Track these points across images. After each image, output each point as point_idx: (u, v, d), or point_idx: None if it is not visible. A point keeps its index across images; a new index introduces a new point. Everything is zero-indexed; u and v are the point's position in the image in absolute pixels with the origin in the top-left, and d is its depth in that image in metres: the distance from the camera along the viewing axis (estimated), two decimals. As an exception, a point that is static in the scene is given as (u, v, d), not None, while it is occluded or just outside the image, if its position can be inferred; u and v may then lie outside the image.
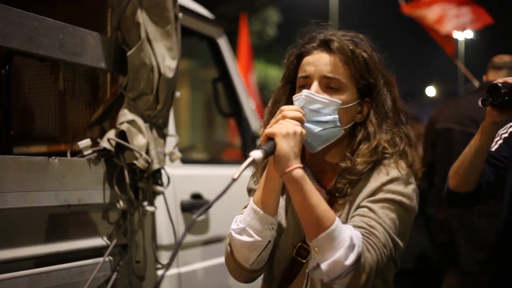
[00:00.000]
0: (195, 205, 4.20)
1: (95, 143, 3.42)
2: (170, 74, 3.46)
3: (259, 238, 2.27)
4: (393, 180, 2.30)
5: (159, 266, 3.67)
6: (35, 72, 3.94)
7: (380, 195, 2.27)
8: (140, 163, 3.28)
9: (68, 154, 3.30)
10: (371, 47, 2.46)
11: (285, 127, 2.14)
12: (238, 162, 4.86)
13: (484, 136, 3.10)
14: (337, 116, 2.32)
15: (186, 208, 4.13)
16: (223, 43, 5.17)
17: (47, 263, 3.01)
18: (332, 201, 2.33)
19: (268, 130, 2.15)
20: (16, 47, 2.86)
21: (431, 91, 57.24)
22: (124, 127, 3.30)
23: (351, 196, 2.32)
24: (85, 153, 3.25)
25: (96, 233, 3.30)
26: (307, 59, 2.41)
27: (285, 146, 2.10)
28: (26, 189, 2.86)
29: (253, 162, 2.06)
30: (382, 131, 2.37)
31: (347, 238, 2.09)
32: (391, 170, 2.31)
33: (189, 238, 4.18)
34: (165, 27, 3.47)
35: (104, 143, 3.32)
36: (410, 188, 2.33)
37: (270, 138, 2.14)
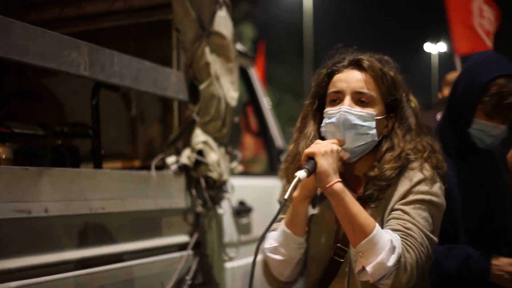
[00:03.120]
0: (241, 210, 5.01)
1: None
2: (233, 103, 4.30)
3: (290, 257, 2.52)
4: (420, 182, 2.44)
5: (225, 258, 4.47)
6: (112, 101, 4.73)
7: (411, 197, 2.41)
8: (215, 175, 4.10)
9: (153, 168, 4.09)
10: (395, 67, 2.61)
11: (323, 146, 2.34)
12: (268, 174, 5.69)
13: None
14: (375, 128, 2.49)
15: (236, 213, 4.94)
16: (252, 72, 5.99)
17: (146, 256, 3.81)
18: (364, 208, 2.43)
19: (308, 150, 2.35)
20: (128, 85, 3.66)
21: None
22: (200, 146, 4.12)
23: (383, 201, 2.47)
24: (172, 167, 4.06)
25: (180, 232, 4.11)
26: (338, 76, 2.55)
27: (325, 163, 2.31)
28: (136, 196, 3.66)
29: (299, 181, 2.28)
30: (406, 141, 2.52)
31: (387, 242, 2.25)
32: (417, 173, 2.46)
33: (240, 237, 4.95)
34: (228, 65, 4.31)
35: (184, 160, 4.12)
36: (437, 186, 2.47)
37: (310, 158, 2.33)
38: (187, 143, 4.25)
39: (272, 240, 2.55)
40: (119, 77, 3.57)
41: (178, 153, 4.25)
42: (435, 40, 48.75)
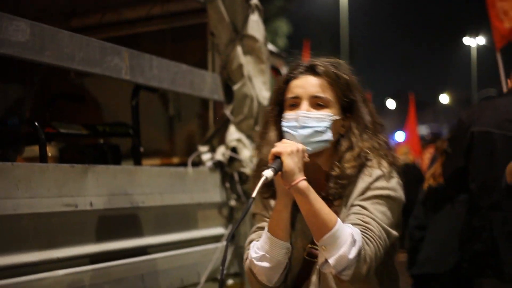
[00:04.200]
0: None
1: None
2: (265, 102, 4.54)
3: (278, 263, 2.54)
4: (378, 178, 2.51)
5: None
6: (151, 102, 4.99)
7: (369, 193, 2.49)
8: (248, 170, 4.34)
9: (189, 165, 4.33)
10: (349, 69, 2.66)
11: (289, 145, 2.38)
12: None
13: None
14: (330, 128, 2.54)
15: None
16: (284, 72, 6.20)
17: (183, 247, 4.06)
18: (328, 205, 2.47)
19: (275, 149, 2.38)
20: (166, 87, 3.91)
21: (444, 98, 57.03)
22: (234, 143, 4.37)
23: (344, 198, 2.55)
24: (207, 164, 4.31)
25: (215, 225, 4.35)
26: (294, 82, 2.59)
27: (291, 162, 2.34)
28: (174, 191, 3.91)
29: (266, 180, 2.30)
30: (363, 140, 2.59)
31: (348, 236, 2.34)
32: (375, 170, 2.53)
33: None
34: (260, 66, 4.55)
35: (218, 156, 4.37)
36: (394, 181, 2.55)
37: (277, 157, 2.36)
38: (222, 140, 4.50)
39: (257, 249, 2.56)
40: (158, 80, 3.82)
41: (213, 150, 4.49)
42: (474, 33, 48.28)
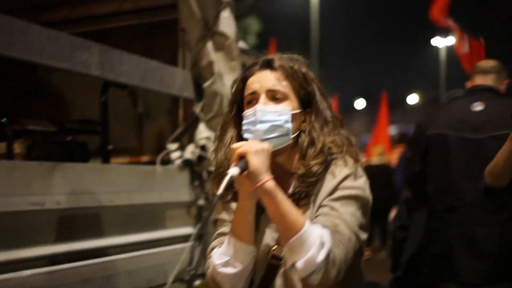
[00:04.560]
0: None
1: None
2: (236, 101, 4.49)
3: (244, 267, 2.44)
4: (346, 177, 2.44)
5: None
6: (120, 98, 4.92)
7: (338, 193, 2.42)
8: (217, 169, 4.29)
9: (158, 163, 4.28)
10: (306, 64, 2.63)
11: (254, 145, 2.32)
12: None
13: None
14: (290, 123, 2.48)
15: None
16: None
17: (151, 247, 4.00)
18: (295, 205, 2.42)
19: (240, 149, 2.30)
20: (136, 83, 3.85)
21: (413, 98, 57.39)
22: (204, 142, 4.31)
23: (312, 197, 2.47)
24: (176, 162, 4.25)
25: (183, 224, 4.30)
26: (251, 79, 2.55)
27: (256, 161, 2.28)
28: (142, 190, 3.86)
29: (232, 178, 2.23)
30: (325, 134, 2.52)
31: (317, 238, 2.26)
32: (342, 169, 2.46)
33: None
34: (231, 63, 4.50)
35: (187, 155, 4.31)
36: (362, 181, 2.49)
37: (242, 157, 2.29)
38: (191, 139, 4.44)
39: (221, 255, 2.46)
40: (128, 76, 3.76)
41: (182, 148, 4.44)
42: (443, 33, 48.64)
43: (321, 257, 2.25)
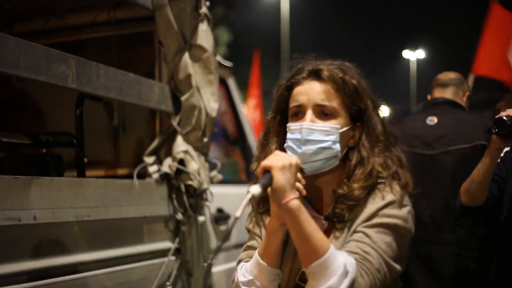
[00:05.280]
0: (220, 218, 5.15)
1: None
2: (213, 114, 4.46)
3: None
4: (388, 204, 2.30)
5: (204, 264, 4.61)
6: (95, 111, 4.85)
7: (376, 220, 2.28)
8: (195, 183, 4.24)
9: (135, 177, 4.21)
10: (358, 73, 2.49)
11: (281, 159, 2.15)
12: (246, 182, 5.83)
13: (490, 159, 3.51)
14: (338, 144, 2.36)
15: (215, 220, 5.08)
16: (231, 83, 6.14)
17: (128, 262, 3.93)
18: (330, 227, 2.36)
19: (265, 162, 2.15)
20: (113, 96, 3.79)
21: (384, 111, 57.78)
22: (181, 155, 4.25)
23: (348, 222, 2.34)
24: (154, 176, 4.19)
25: (161, 238, 4.24)
26: (298, 89, 2.41)
27: (282, 178, 2.11)
28: (120, 204, 3.79)
29: (253, 198, 2.09)
30: (375, 155, 2.38)
31: (340, 266, 2.11)
32: (386, 194, 2.32)
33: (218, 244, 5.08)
34: (209, 77, 4.45)
35: (165, 168, 4.25)
36: (405, 210, 2.33)
37: (267, 171, 2.14)
38: (169, 152, 4.38)
39: (246, 273, 2.40)
40: (105, 89, 3.70)
41: (160, 162, 4.38)
42: (414, 47, 49.09)
43: (343, 286, 2.11)
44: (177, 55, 4.33)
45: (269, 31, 37.43)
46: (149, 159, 4.37)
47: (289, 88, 2.47)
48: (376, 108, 2.48)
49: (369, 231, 2.26)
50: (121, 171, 4.80)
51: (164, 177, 4.27)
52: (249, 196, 2.08)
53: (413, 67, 48.37)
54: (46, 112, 5.11)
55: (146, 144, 4.65)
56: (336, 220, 2.37)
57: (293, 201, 2.14)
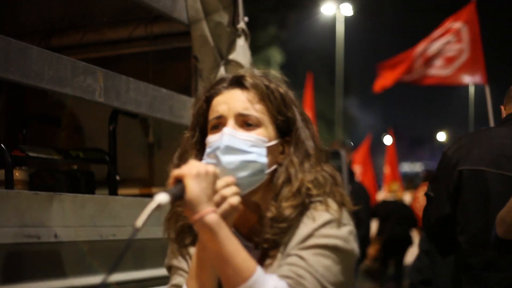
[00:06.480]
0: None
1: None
2: (249, 131, 4.31)
3: None
4: (325, 224, 2.02)
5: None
6: (130, 127, 4.77)
7: (312, 241, 1.99)
8: (229, 202, 4.10)
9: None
10: (286, 83, 2.22)
11: (195, 166, 1.87)
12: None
13: None
14: (265, 157, 2.08)
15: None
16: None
17: (155, 285, 3.78)
18: (263, 256, 2.08)
19: (177, 171, 1.88)
20: (143, 111, 3.68)
21: (441, 136, 57.19)
22: (216, 174, 4.12)
23: (282, 246, 2.05)
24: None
25: (192, 260, 4.09)
26: (217, 99, 2.15)
27: (196, 188, 1.84)
28: (148, 223, 3.65)
29: (159, 207, 1.83)
30: (304, 171, 2.10)
31: None
32: (322, 213, 2.04)
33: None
34: (245, 93, 4.33)
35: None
36: (345, 230, 2.05)
37: (179, 180, 1.87)
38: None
39: None
40: (134, 104, 3.59)
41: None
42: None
43: None
44: (212, 70, 4.21)
45: (323, 52, 37.36)
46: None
47: (208, 100, 2.19)
48: (305, 120, 2.19)
49: (304, 253, 1.96)
50: (156, 190, 4.67)
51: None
52: (153, 204, 1.81)
53: (471, 91, 47.71)
54: (80, 127, 5.05)
55: (181, 162, 4.54)
56: (268, 247, 2.06)
57: (210, 215, 1.84)
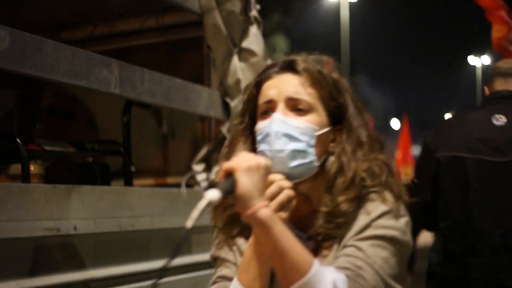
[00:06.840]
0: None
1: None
2: (264, 120, 4.31)
3: None
4: (383, 214, 1.96)
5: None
6: (144, 118, 4.78)
7: (369, 232, 1.92)
8: (244, 192, 4.10)
9: (183, 185, 4.09)
10: (338, 68, 2.17)
11: (246, 160, 1.79)
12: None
13: None
14: (314, 147, 2.00)
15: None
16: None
17: (175, 274, 3.80)
18: (316, 247, 2.00)
19: (227, 164, 1.79)
20: (158, 102, 3.68)
21: (448, 117, 57.05)
22: (230, 163, 4.12)
23: (337, 238, 1.98)
24: (202, 184, 4.06)
25: (209, 249, 4.09)
26: (268, 84, 2.07)
27: (247, 182, 1.75)
28: (166, 213, 3.67)
29: (210, 205, 1.77)
30: (357, 159, 2.01)
31: (329, 284, 1.77)
32: (379, 205, 1.97)
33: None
34: (259, 82, 4.32)
35: (214, 176, 4.12)
36: (403, 221, 2.00)
37: (229, 174, 1.78)
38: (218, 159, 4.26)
39: None
40: (150, 94, 3.60)
41: (209, 169, 4.25)
42: (479, 52, 48.16)
43: None
44: (226, 59, 4.21)
45: (328, 39, 37.22)
46: (197, 167, 4.24)
47: (258, 86, 2.11)
48: (358, 108, 2.10)
49: (362, 244, 1.89)
50: (171, 180, 4.69)
51: (213, 186, 4.14)
52: (203, 202, 1.73)
53: (478, 73, 47.46)
54: (94, 120, 5.06)
55: (195, 152, 4.53)
56: (323, 239, 1.99)
57: (263, 209, 1.76)
